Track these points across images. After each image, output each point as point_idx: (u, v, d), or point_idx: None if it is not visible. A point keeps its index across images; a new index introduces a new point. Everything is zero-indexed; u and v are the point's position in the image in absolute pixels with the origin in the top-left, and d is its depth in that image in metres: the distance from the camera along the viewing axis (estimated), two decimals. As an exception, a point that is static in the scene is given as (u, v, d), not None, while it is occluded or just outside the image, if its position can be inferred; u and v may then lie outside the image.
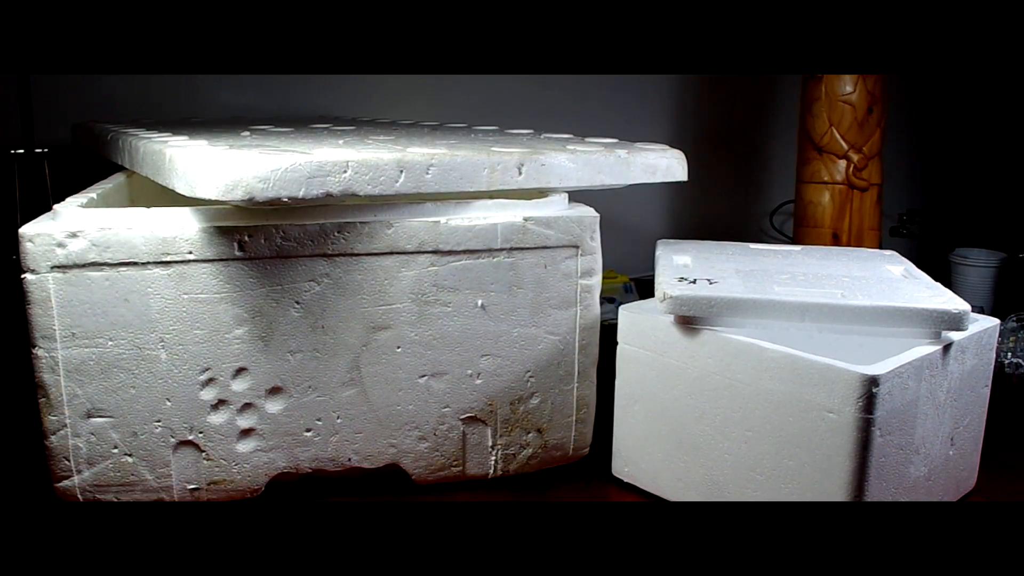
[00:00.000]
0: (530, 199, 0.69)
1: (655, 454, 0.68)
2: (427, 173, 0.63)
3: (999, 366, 0.95)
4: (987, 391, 0.70)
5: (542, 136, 0.85)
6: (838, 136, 1.09)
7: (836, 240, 1.10)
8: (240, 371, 0.65)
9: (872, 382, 0.55)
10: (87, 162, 0.91)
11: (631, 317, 0.68)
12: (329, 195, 0.59)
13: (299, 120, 1.03)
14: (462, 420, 0.70)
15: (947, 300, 0.62)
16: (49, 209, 0.64)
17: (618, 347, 0.69)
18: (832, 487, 0.57)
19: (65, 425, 0.63)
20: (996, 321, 0.68)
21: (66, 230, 0.60)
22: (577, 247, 0.70)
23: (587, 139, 0.80)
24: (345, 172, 0.60)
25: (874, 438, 0.56)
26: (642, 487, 0.70)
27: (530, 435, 0.72)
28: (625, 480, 0.71)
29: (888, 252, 0.80)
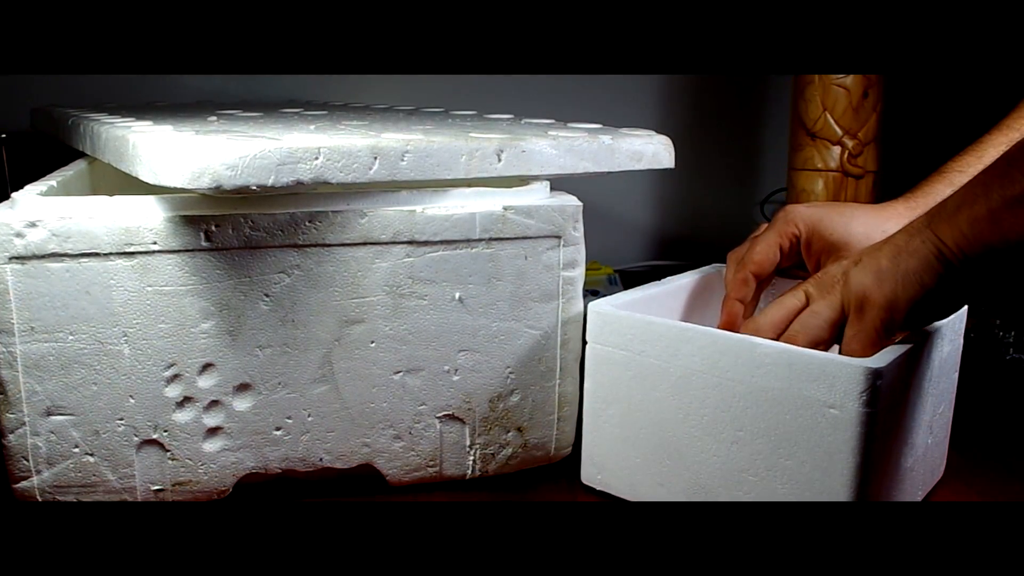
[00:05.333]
0: (510, 187, 0.67)
1: (633, 459, 0.65)
2: (402, 160, 0.61)
3: (999, 362, 0.94)
4: (956, 376, 0.69)
5: (522, 121, 0.83)
6: (832, 121, 1.07)
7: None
8: (207, 367, 0.63)
9: (876, 375, 0.54)
10: (47, 148, 0.90)
11: (602, 314, 0.65)
12: (300, 183, 0.58)
13: (268, 104, 1.02)
14: (439, 418, 0.68)
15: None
16: (7, 197, 0.62)
17: (587, 347, 0.66)
18: (833, 486, 0.56)
19: (24, 423, 0.61)
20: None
21: (24, 219, 0.58)
22: (559, 237, 0.68)
23: (570, 124, 0.78)
24: (317, 159, 0.58)
25: (877, 433, 0.55)
26: (617, 495, 0.67)
27: (510, 434, 0.70)
28: (598, 488, 0.68)
29: None
